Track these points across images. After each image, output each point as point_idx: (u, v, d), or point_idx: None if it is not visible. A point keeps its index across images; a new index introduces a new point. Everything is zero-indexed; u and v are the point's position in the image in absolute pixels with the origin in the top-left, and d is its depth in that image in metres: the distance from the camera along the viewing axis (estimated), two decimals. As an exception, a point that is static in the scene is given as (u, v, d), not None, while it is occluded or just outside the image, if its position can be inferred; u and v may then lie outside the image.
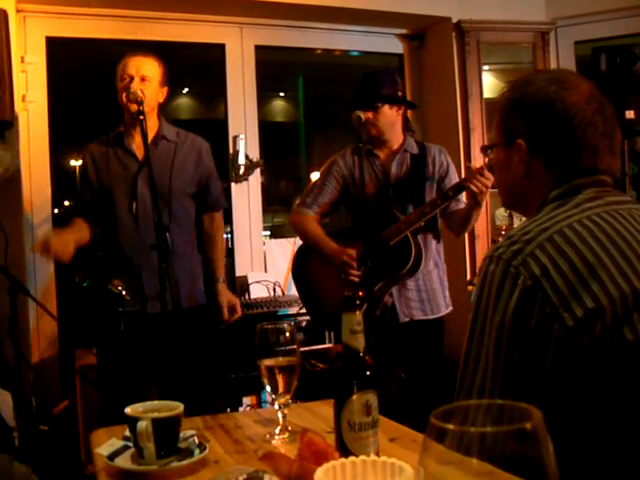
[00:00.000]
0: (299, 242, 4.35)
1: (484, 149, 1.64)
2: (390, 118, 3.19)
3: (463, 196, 3.26)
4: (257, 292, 4.07)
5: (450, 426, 0.60)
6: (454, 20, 4.48)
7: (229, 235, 4.60)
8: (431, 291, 3.24)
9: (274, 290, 4.06)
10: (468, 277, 4.39)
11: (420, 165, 3.23)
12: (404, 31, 4.76)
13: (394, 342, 3.22)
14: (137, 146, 3.09)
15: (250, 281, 4.10)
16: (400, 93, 3.24)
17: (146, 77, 3.04)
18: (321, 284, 3.29)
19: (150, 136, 3.05)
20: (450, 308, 3.31)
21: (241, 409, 3.74)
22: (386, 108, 3.16)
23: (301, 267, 3.41)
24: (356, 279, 3.07)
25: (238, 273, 4.30)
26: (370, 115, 3.15)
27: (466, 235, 4.33)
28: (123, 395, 2.78)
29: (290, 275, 4.26)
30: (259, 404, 3.87)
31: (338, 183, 3.28)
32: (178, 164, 3.12)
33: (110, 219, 3.08)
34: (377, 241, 3.09)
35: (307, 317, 3.76)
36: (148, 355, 2.97)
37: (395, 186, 3.22)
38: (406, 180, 3.23)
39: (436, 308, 3.25)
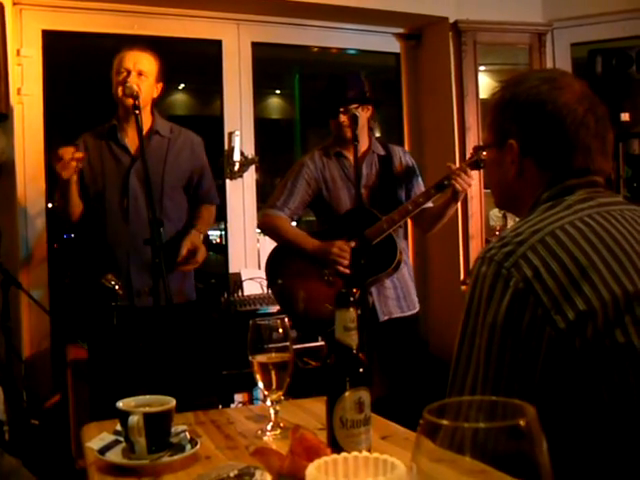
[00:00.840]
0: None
1: (477, 150, 1.64)
2: (363, 120, 3.19)
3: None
4: (250, 289, 4.06)
5: (444, 422, 0.60)
6: (451, 20, 4.48)
7: (223, 232, 4.59)
8: (405, 287, 3.27)
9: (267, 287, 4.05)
10: (462, 277, 4.40)
11: (388, 166, 3.26)
12: (401, 30, 4.76)
13: (372, 340, 3.21)
14: (130, 140, 3.09)
15: (243, 278, 4.09)
16: (368, 94, 3.23)
17: (143, 72, 3.04)
18: (303, 286, 3.20)
19: (144, 131, 3.05)
20: (419, 306, 3.34)
21: (233, 406, 3.73)
22: (358, 110, 3.15)
23: (278, 271, 3.30)
24: (347, 270, 3.07)
25: (231, 270, 4.30)
26: (345, 118, 3.15)
27: (460, 235, 4.35)
28: (114, 389, 2.78)
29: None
30: (251, 401, 3.87)
31: (309, 185, 3.26)
32: (171, 159, 3.12)
33: (99, 212, 3.06)
34: (361, 240, 3.07)
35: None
36: (139, 350, 2.96)
37: (367, 187, 3.24)
38: (376, 181, 3.25)
39: (411, 304, 3.29)
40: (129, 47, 3.11)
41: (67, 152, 2.84)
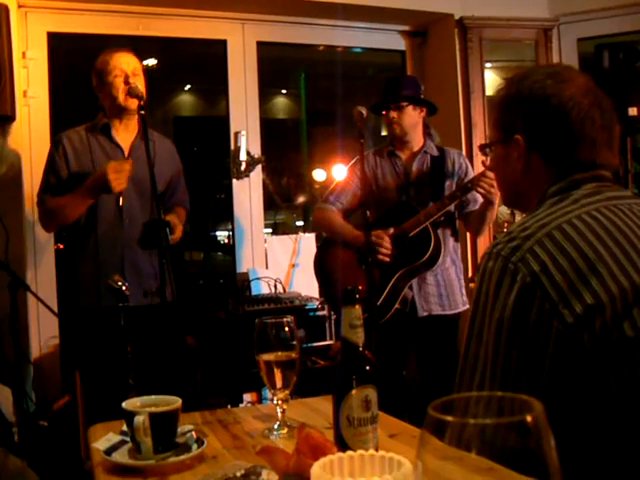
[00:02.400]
0: (301, 239, 4.36)
1: (482, 148, 1.63)
2: (413, 118, 3.31)
3: (479, 197, 3.31)
4: (258, 289, 4.05)
5: (449, 418, 0.59)
6: (456, 17, 4.46)
7: (230, 232, 4.59)
8: (450, 287, 3.31)
9: (275, 287, 4.05)
10: (470, 274, 4.38)
11: (440, 166, 3.35)
12: (406, 28, 4.75)
13: (411, 337, 3.29)
14: (121, 140, 3.09)
15: (251, 278, 4.09)
16: (422, 96, 3.36)
17: (135, 70, 3.04)
18: (342, 274, 3.33)
19: (135, 133, 3.08)
20: (467, 306, 3.33)
21: (241, 406, 3.73)
22: (410, 108, 3.29)
23: (323, 260, 3.47)
24: (387, 258, 3.14)
25: (239, 269, 4.30)
26: (395, 114, 3.28)
27: (467, 232, 4.32)
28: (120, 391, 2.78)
29: (291, 271, 4.26)
30: (260, 401, 3.86)
31: (360, 182, 3.32)
32: (157, 163, 3.11)
33: (93, 212, 3.03)
34: (397, 231, 3.19)
35: (309, 313, 3.75)
36: (145, 350, 2.96)
37: (416, 185, 3.33)
38: (427, 179, 3.33)
39: (454, 304, 3.31)
40: (111, 49, 3.10)
41: (121, 166, 2.87)
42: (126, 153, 3.08)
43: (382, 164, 3.37)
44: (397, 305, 3.19)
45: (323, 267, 3.45)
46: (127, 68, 3.03)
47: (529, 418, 0.59)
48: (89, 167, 3.04)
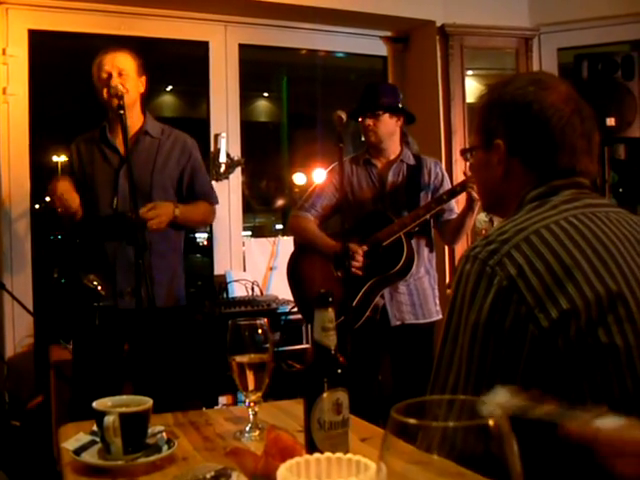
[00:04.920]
0: (280, 242, 4.36)
1: (463, 152, 1.64)
2: (389, 127, 3.29)
3: (455, 207, 3.34)
4: (236, 291, 4.05)
5: (411, 421, 0.59)
6: (438, 24, 4.49)
7: (209, 234, 4.58)
8: (423, 296, 3.30)
9: (252, 289, 4.04)
10: (447, 280, 4.40)
11: (416, 175, 3.33)
12: (388, 33, 4.77)
13: (384, 344, 3.27)
14: (120, 141, 3.08)
15: (228, 280, 4.08)
16: (400, 105, 3.34)
17: (123, 70, 3.03)
18: (314, 282, 3.31)
19: (133, 131, 3.05)
20: (441, 316, 3.33)
21: (216, 408, 3.71)
22: (386, 117, 3.27)
23: (296, 267, 3.44)
24: (359, 272, 3.11)
25: (217, 272, 4.29)
26: (371, 122, 3.26)
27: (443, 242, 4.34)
28: (96, 390, 2.76)
29: (269, 274, 4.25)
30: (235, 404, 3.85)
31: (336, 189, 3.32)
32: (160, 160, 3.10)
33: (90, 213, 3.05)
34: (372, 241, 3.16)
35: (285, 317, 3.75)
36: (122, 351, 2.95)
37: (391, 193, 3.31)
38: (402, 188, 3.32)
39: (428, 313, 3.30)
40: (105, 50, 3.10)
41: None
42: (122, 154, 3.06)
43: (358, 172, 3.36)
44: (368, 313, 3.19)
45: (296, 274, 3.43)
46: (112, 69, 3.02)
47: (491, 422, 0.59)
48: (91, 174, 3.07)
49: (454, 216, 3.31)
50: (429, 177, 3.35)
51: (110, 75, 3.01)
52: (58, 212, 2.95)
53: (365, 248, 3.15)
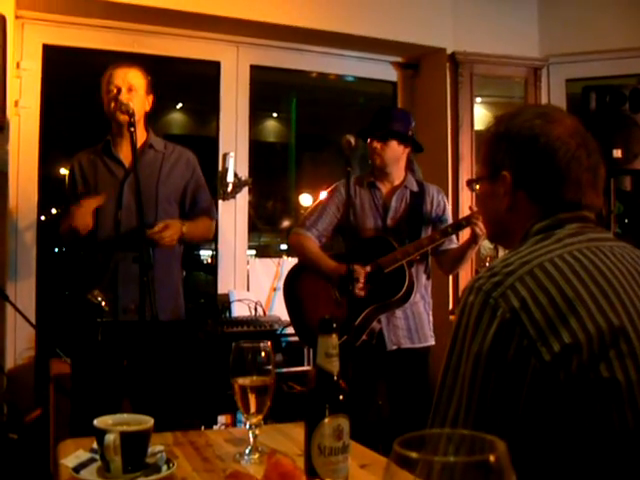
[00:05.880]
0: (284, 262, 4.36)
1: (470, 183, 1.65)
2: (396, 153, 3.30)
3: (455, 237, 3.36)
4: (238, 311, 4.05)
5: (413, 454, 0.59)
6: (449, 51, 4.53)
7: (214, 252, 4.59)
8: (419, 320, 3.30)
9: (255, 309, 4.04)
10: (450, 307, 4.40)
11: (419, 202, 3.34)
12: (399, 59, 4.81)
13: (379, 369, 3.26)
14: (124, 155, 3.11)
15: (232, 299, 4.08)
16: (410, 133, 3.35)
17: (133, 87, 3.06)
18: (312, 303, 3.31)
19: (137, 145, 3.06)
20: (434, 341, 3.35)
21: (215, 427, 3.70)
22: (394, 143, 3.28)
23: (293, 285, 3.44)
24: (362, 292, 3.11)
25: (220, 290, 4.29)
26: (378, 145, 3.27)
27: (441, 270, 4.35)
28: (96, 406, 2.76)
29: (272, 294, 4.25)
30: (234, 423, 3.84)
31: (338, 210, 3.34)
32: (165, 173, 3.13)
33: (94, 226, 3.06)
34: (373, 267, 3.16)
35: (287, 338, 3.75)
36: (122, 367, 2.94)
37: (393, 219, 3.32)
38: (404, 215, 3.33)
39: (423, 337, 3.31)
40: (116, 64, 3.13)
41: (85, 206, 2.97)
42: (127, 167, 3.08)
43: (361, 194, 3.36)
44: (364, 336, 3.19)
45: (293, 293, 3.42)
46: (122, 84, 3.05)
47: (492, 458, 0.60)
48: (93, 187, 3.09)
49: (453, 246, 3.33)
50: (431, 205, 3.36)
51: (119, 90, 3.04)
52: (69, 228, 2.97)
53: (368, 269, 3.15)
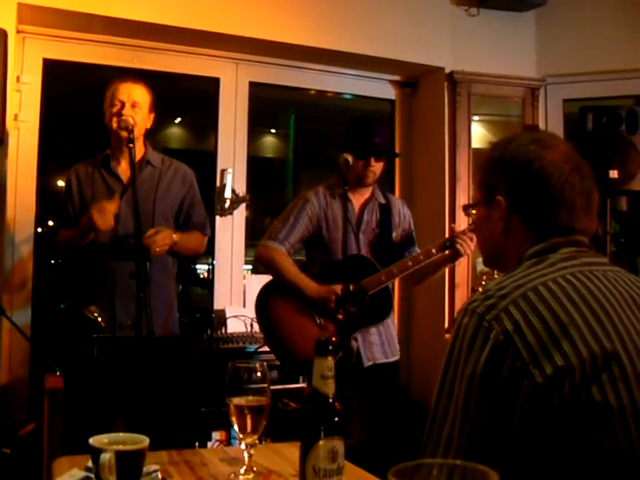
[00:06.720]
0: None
1: (466, 208, 1.67)
2: (378, 169, 3.27)
3: (418, 249, 3.33)
4: (234, 327, 4.04)
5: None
6: (447, 70, 4.55)
7: (210, 267, 4.58)
8: (389, 334, 3.31)
9: (251, 326, 4.04)
10: (446, 325, 4.40)
11: (387, 215, 3.32)
12: (397, 78, 4.83)
13: (354, 385, 3.20)
14: (122, 170, 3.12)
15: (228, 315, 4.08)
16: (389, 145, 3.36)
17: (137, 103, 3.08)
18: (291, 327, 3.18)
19: (135, 160, 3.07)
20: (399, 355, 3.37)
21: (210, 444, 3.69)
22: (384, 160, 3.26)
23: (266, 307, 3.25)
24: (340, 316, 3.06)
25: (216, 306, 4.29)
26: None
27: (446, 283, 4.36)
28: (89, 422, 2.75)
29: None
30: (228, 440, 3.83)
31: (310, 222, 3.26)
32: (162, 189, 3.15)
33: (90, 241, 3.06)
34: (356, 288, 3.10)
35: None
36: (117, 383, 2.94)
37: (365, 233, 3.28)
38: (376, 228, 3.30)
39: (394, 350, 3.32)
40: (122, 79, 3.15)
41: (103, 206, 2.97)
42: (124, 182, 3.09)
43: (333, 205, 3.24)
44: (340, 354, 3.10)
45: (267, 314, 3.24)
46: (125, 99, 3.07)
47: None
48: (90, 199, 3.09)
49: (414, 253, 3.27)
50: (399, 218, 3.36)
51: (123, 105, 3.05)
52: (88, 223, 2.96)
53: (351, 288, 3.06)
